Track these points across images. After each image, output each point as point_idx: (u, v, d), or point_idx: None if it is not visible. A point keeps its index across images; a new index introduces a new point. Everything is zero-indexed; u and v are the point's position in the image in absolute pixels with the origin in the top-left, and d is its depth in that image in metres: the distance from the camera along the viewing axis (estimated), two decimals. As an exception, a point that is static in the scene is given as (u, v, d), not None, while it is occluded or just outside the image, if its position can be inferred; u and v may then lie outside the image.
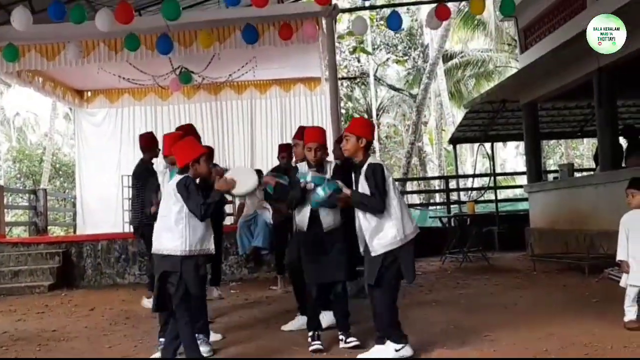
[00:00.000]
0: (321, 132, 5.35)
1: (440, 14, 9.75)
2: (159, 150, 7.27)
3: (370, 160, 4.71)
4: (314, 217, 5.14)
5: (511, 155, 36.14)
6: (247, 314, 7.00)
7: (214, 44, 10.02)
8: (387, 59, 27.71)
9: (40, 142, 31.05)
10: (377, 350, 4.65)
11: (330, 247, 5.14)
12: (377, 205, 4.54)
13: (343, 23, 22.32)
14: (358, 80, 26.48)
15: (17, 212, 13.91)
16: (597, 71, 9.59)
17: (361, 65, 26.35)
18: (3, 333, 6.37)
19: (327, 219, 5.16)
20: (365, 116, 27.24)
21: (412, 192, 24.71)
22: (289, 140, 13.19)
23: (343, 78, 23.07)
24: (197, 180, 4.63)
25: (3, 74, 11.34)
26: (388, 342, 4.60)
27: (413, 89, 26.93)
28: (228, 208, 11.52)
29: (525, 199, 12.92)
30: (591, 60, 9.54)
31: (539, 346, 4.66)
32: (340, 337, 5.12)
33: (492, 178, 14.20)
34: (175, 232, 4.47)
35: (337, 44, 13.37)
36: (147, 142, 7.51)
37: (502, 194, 23.40)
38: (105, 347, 5.58)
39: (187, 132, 5.78)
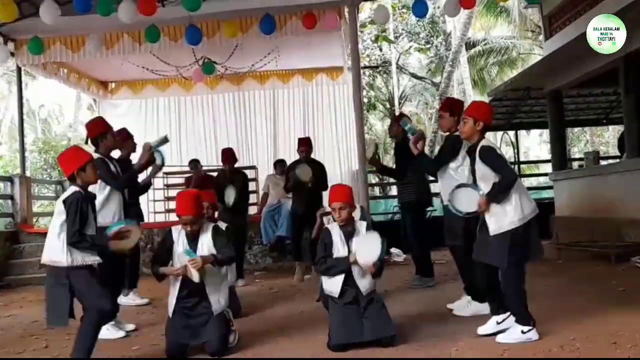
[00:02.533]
0: (347, 190, 5.08)
1: (465, 2, 9.68)
2: (135, 144, 7.41)
3: (482, 142, 4.79)
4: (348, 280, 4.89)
5: (535, 143, 35.84)
6: (272, 302, 7.04)
7: (237, 34, 10.06)
8: (409, 47, 27.54)
9: (65, 133, 31.31)
10: (494, 320, 4.83)
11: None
12: (508, 180, 4.64)
13: (365, 12, 22.18)
14: (380, 69, 26.34)
15: (44, 202, 14.07)
16: (623, 58, 9.47)
17: (383, 54, 26.22)
18: (33, 322, 6.47)
19: (364, 282, 4.92)
20: (388, 105, 27.19)
21: (435, 181, 24.52)
22: (311, 133, 13.35)
23: (365, 67, 22.94)
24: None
25: (29, 65, 11.47)
26: (515, 324, 4.67)
27: (435, 77, 26.78)
28: (253, 197, 11.60)
29: (550, 187, 12.83)
30: (618, 46, 9.42)
31: (565, 335, 4.63)
32: None
33: (516, 166, 14.12)
34: (60, 243, 4.37)
35: (359, 33, 13.31)
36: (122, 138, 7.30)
37: (526, 182, 23.21)
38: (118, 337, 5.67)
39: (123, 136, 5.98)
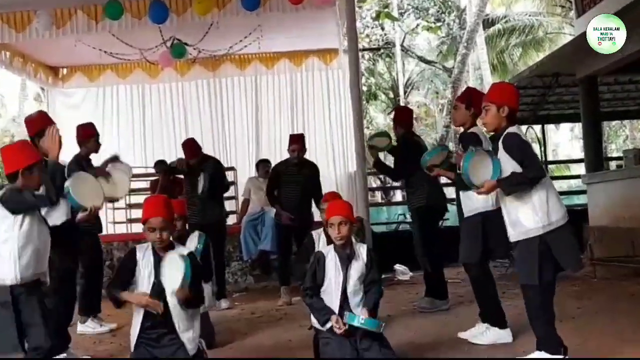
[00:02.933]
0: (347, 204, 5.10)
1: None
2: (99, 145, 7.29)
3: (509, 130, 4.75)
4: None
5: (565, 139, 36.09)
6: (255, 329, 7.04)
7: (212, 10, 10.03)
8: (417, 26, 27.61)
9: (8, 128, 31.25)
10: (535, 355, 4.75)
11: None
12: (533, 174, 4.60)
13: (364, -16, 22.25)
14: (382, 51, 26.42)
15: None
16: (670, 38, 9.52)
17: (385, 34, 26.30)
18: None
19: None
20: (391, 94, 27.25)
21: (448, 185, 24.58)
22: (300, 128, 13.34)
23: (364, 49, 23.05)
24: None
25: (-35, 49, 11.43)
26: (540, 352, 4.66)
27: (448, 61, 26.88)
28: (231, 204, 11.56)
29: (584, 192, 12.86)
30: (663, 24, 9.48)
31: (602, 367, 4.67)
32: None
33: (544, 166, 14.16)
34: (5, 255, 4.32)
35: (357, 9, 13.32)
36: (86, 134, 7.29)
37: (556, 185, 23.27)
38: None
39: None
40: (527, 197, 4.62)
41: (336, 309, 4.82)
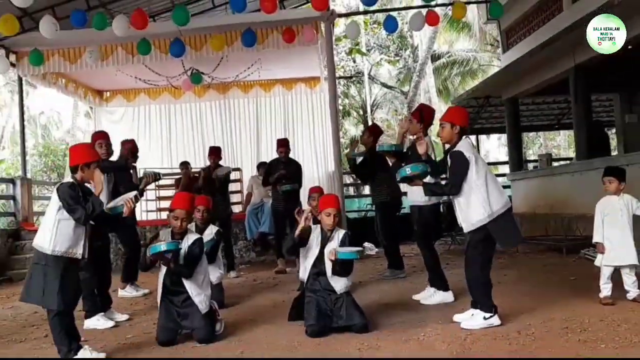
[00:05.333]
0: (337, 198, 5.20)
1: (430, 20, 9.81)
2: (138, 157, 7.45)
3: (458, 146, 4.70)
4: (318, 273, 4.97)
5: (494, 147, 35.99)
6: (256, 293, 7.02)
7: (223, 47, 10.05)
8: (380, 59, 27.55)
9: (64, 138, 30.90)
10: (470, 313, 4.77)
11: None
12: (448, 190, 4.65)
13: (340, 27, 22.12)
14: (354, 79, 26.38)
15: (44, 202, 13.95)
16: (573, 69, 9.59)
17: (356, 65, 26.24)
18: (34, 313, 6.35)
19: (339, 283, 4.92)
20: (361, 112, 27.20)
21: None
22: (291, 137, 13.31)
23: (340, 77, 22.95)
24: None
25: (29, 76, 11.35)
26: (478, 311, 4.66)
27: (404, 87, 26.82)
28: (236, 197, 11.57)
29: (508, 187, 12.94)
30: (568, 58, 9.55)
31: (523, 321, 4.68)
32: None
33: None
34: (48, 230, 4.27)
35: (334, 46, 13.30)
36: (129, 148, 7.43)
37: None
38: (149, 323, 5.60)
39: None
40: (471, 199, 4.59)
41: (309, 271, 4.97)
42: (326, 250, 4.89)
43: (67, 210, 4.24)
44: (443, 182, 4.81)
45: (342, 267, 4.82)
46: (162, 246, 4.59)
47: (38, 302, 4.30)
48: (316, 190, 6.64)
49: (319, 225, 5.08)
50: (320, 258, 4.95)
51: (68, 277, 4.30)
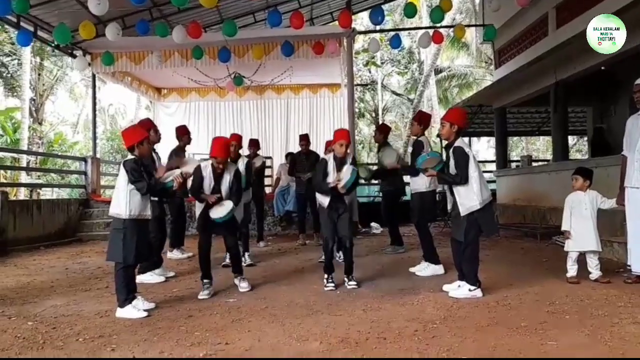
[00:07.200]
0: (347, 132, 5.32)
1: (436, 39, 9.78)
2: (191, 139, 7.39)
3: (457, 143, 4.66)
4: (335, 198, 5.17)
5: (484, 148, 35.61)
6: (280, 260, 7.06)
7: (262, 55, 10.07)
8: (392, 71, 27.42)
9: (127, 126, 31.19)
10: (457, 284, 4.76)
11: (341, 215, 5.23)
12: (459, 180, 4.57)
13: (358, 42, 22.08)
14: (369, 86, 26.27)
15: (109, 178, 14.14)
16: (554, 84, 9.46)
17: (372, 75, 26.13)
18: (98, 268, 6.51)
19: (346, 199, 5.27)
20: (374, 115, 27.07)
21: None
22: (314, 133, 13.35)
23: (357, 85, 22.89)
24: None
25: (101, 73, 11.46)
26: (464, 283, 4.65)
27: (411, 95, 26.64)
28: (267, 181, 11.59)
29: (493, 181, 12.83)
30: (550, 75, 9.42)
31: (501, 294, 4.65)
32: (345, 279, 5.19)
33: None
34: (121, 199, 4.31)
35: (353, 58, 13.25)
36: (182, 132, 7.32)
37: (476, 177, 23.11)
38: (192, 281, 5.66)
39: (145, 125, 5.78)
40: (468, 188, 4.55)
41: (329, 198, 5.16)
42: (343, 170, 5.10)
43: (132, 182, 4.28)
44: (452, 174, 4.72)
45: (350, 188, 5.12)
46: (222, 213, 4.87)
47: (117, 259, 4.31)
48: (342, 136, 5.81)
49: (331, 155, 5.25)
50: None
51: (142, 236, 4.38)
